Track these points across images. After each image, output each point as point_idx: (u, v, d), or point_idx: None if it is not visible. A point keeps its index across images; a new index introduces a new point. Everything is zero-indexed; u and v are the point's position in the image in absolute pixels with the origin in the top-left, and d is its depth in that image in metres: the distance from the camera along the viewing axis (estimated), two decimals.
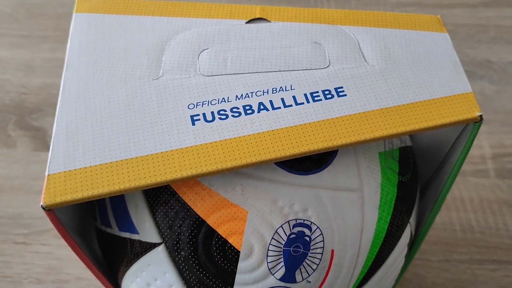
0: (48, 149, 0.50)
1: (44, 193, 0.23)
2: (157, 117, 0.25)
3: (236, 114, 0.25)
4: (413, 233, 0.31)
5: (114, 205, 0.28)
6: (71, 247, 0.26)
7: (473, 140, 0.26)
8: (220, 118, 0.25)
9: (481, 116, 0.26)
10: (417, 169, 0.32)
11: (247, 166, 0.24)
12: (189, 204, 0.26)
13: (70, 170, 0.24)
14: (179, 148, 0.24)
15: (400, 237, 0.29)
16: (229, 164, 0.24)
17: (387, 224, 0.28)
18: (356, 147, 0.27)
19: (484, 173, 0.49)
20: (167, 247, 0.26)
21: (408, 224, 0.30)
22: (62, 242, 0.44)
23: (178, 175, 0.24)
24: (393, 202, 0.28)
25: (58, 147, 0.25)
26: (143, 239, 0.27)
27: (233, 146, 0.24)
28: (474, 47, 0.58)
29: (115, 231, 0.28)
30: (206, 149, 0.24)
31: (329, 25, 0.29)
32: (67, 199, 0.23)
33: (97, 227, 0.31)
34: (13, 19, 0.60)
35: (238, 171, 0.26)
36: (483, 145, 0.51)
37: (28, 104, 0.53)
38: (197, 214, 0.26)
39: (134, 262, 0.28)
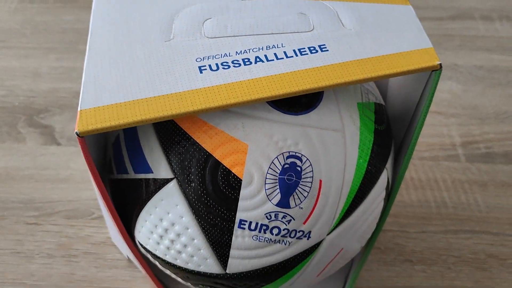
0: (56, 144, 0.54)
1: (78, 123, 0.28)
2: (170, 68, 0.30)
3: (237, 65, 0.30)
4: (390, 180, 0.35)
5: (130, 151, 0.33)
6: (93, 176, 0.30)
7: (435, 88, 0.32)
8: (223, 68, 0.30)
9: (440, 64, 0.31)
10: (391, 126, 0.37)
11: (248, 103, 0.29)
12: (198, 141, 0.30)
13: (98, 107, 0.28)
14: (190, 89, 0.29)
15: (378, 178, 0.33)
16: (232, 101, 0.29)
17: (366, 163, 0.32)
18: (338, 96, 0.32)
19: (456, 158, 0.54)
20: (178, 181, 0.31)
21: (385, 170, 0.34)
22: (71, 222, 0.48)
23: (189, 109, 0.28)
24: (371, 145, 0.33)
25: (87, 92, 0.29)
26: (157, 177, 0.31)
27: (235, 88, 0.29)
28: (442, 53, 0.65)
29: (131, 175, 0.33)
30: (212, 90, 0.29)
31: (311, 1, 0.34)
32: (97, 127, 0.27)
33: (112, 179, 0.35)
34: (21, 34, 0.65)
35: (239, 112, 0.30)
36: (453, 135, 0.56)
37: (36, 105, 0.57)
38: (205, 149, 0.30)
39: (148, 201, 0.32)
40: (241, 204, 0.30)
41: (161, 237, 0.33)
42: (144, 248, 0.35)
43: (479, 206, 0.51)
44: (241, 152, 0.30)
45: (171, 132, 0.31)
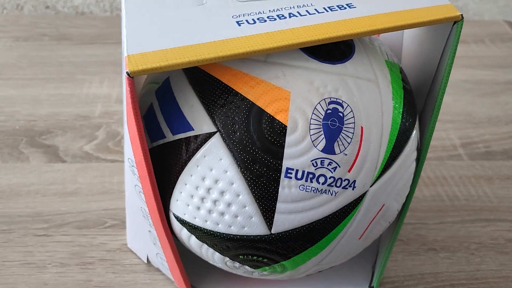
0: (61, 161, 0.53)
1: (128, 65, 0.28)
2: (207, 23, 0.31)
3: (273, 19, 0.31)
4: (419, 142, 0.36)
5: (167, 114, 0.32)
6: (135, 116, 0.29)
7: (458, 39, 0.33)
8: (260, 22, 0.31)
9: (461, 15, 0.33)
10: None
11: (290, 47, 0.29)
12: (240, 92, 0.31)
13: (145, 52, 0.29)
14: (231, 38, 0.30)
15: (411, 133, 0.34)
16: (274, 45, 0.29)
17: (401, 115, 0.33)
18: (367, 52, 0.33)
19: (458, 157, 0.56)
20: (221, 134, 0.30)
21: (415, 130, 0.35)
22: (83, 232, 0.46)
23: (234, 52, 0.29)
24: (402, 98, 0.34)
25: (131, 41, 0.29)
26: (199, 133, 0.31)
27: (274, 36, 0.30)
28: None
29: (169, 137, 0.32)
30: (253, 38, 0.30)
31: None
32: (147, 67, 0.28)
33: None
34: (17, 67, 0.65)
35: (278, 62, 0.31)
36: (452, 137, 0.58)
37: (37, 128, 0.56)
38: (248, 99, 0.30)
39: (189, 160, 0.31)
40: (287, 151, 0.30)
41: (202, 199, 0.32)
42: (181, 220, 0.33)
43: (489, 197, 0.51)
44: (284, 99, 0.30)
45: (211, 87, 0.31)
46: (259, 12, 0.32)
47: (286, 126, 0.30)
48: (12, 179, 0.50)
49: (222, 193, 0.31)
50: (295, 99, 0.30)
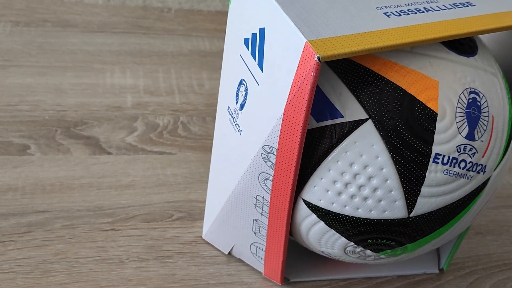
0: (106, 153, 0.50)
1: (315, 49, 0.28)
2: (358, 14, 0.32)
3: (414, 13, 0.33)
4: None
5: None
6: (306, 105, 0.29)
7: None
8: (404, 14, 0.32)
9: None
10: None
11: (438, 39, 0.31)
12: (392, 80, 0.32)
13: (321, 39, 0.29)
14: (388, 28, 0.31)
15: None
16: (428, 36, 0.31)
17: (511, 105, 0.36)
18: (485, 47, 0.36)
19: None
20: (374, 121, 0.31)
21: None
22: (152, 225, 0.44)
23: (401, 41, 0.30)
24: (509, 91, 0.36)
25: (302, 26, 0.29)
26: (349, 119, 0.32)
27: (423, 28, 0.32)
28: None
29: (313, 125, 0.32)
30: (411, 29, 0.31)
31: None
32: (334, 53, 0.28)
33: None
34: (26, 54, 0.60)
35: (423, 53, 0.33)
36: None
37: (69, 118, 0.53)
38: (400, 87, 0.31)
39: (336, 147, 0.32)
40: (436, 137, 0.32)
41: (346, 185, 0.32)
42: (313, 206, 0.34)
43: None
44: (433, 88, 0.32)
45: (361, 75, 0.32)
46: (397, 6, 0.33)
47: (437, 114, 0.32)
48: (58, 172, 0.47)
49: (370, 178, 0.32)
50: (443, 88, 0.32)
